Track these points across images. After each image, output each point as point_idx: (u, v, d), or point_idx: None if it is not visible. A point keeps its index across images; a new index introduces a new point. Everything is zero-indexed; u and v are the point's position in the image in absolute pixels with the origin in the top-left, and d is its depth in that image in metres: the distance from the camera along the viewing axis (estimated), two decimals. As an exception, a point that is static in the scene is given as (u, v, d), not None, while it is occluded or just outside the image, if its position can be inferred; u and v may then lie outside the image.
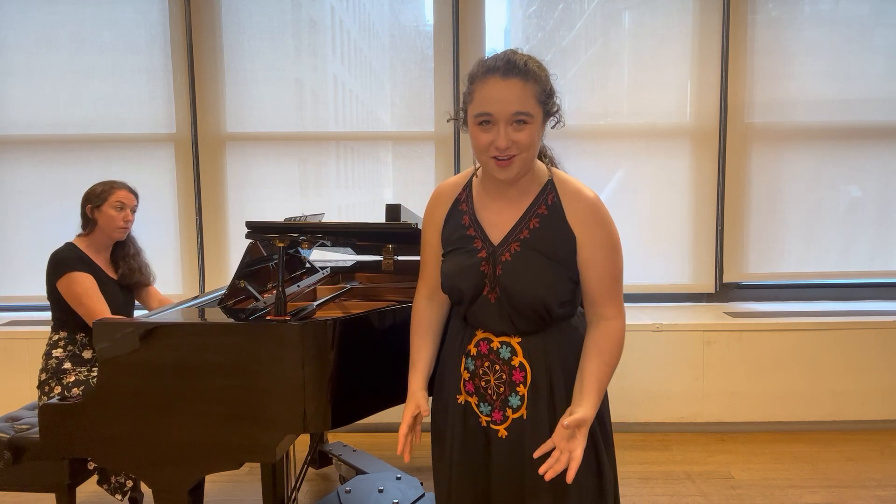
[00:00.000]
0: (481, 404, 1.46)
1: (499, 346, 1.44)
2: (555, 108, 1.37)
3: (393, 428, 3.36)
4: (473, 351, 1.47)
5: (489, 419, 1.45)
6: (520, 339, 1.42)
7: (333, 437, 3.28)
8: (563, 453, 1.29)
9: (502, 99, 1.29)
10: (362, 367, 1.80)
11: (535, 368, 1.41)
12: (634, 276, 3.52)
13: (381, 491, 2.38)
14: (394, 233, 2.07)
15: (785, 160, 3.59)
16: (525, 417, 1.42)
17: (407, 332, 1.57)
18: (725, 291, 3.69)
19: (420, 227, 1.63)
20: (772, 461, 3.00)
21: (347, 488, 2.40)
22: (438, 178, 3.55)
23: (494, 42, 3.56)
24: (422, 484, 2.46)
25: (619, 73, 3.59)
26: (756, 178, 3.60)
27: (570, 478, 1.26)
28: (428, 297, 1.58)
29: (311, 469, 2.91)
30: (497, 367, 1.43)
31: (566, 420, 1.29)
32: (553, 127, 1.40)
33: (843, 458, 3.02)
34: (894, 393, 3.31)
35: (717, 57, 3.53)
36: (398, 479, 2.48)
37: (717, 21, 3.51)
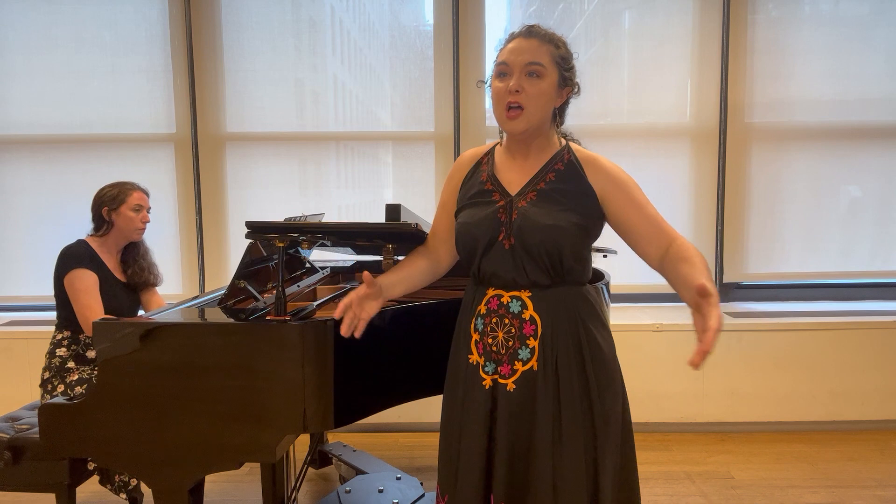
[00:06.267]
0: (487, 364, 1.50)
1: (509, 300, 1.49)
2: (571, 75, 1.50)
3: (393, 428, 3.36)
4: (483, 310, 1.52)
5: (496, 376, 1.48)
6: (530, 294, 1.47)
7: (333, 437, 3.28)
8: (708, 332, 1.22)
9: (519, 51, 1.45)
10: (362, 366, 1.80)
11: (546, 322, 1.46)
12: (634, 276, 3.52)
13: (381, 491, 2.38)
14: (394, 233, 2.06)
15: (785, 160, 3.59)
16: (535, 369, 1.45)
17: (407, 332, 1.57)
18: (725, 291, 3.69)
19: (420, 227, 1.64)
20: (772, 461, 3.00)
21: (347, 488, 2.41)
22: (438, 178, 3.55)
23: (494, 42, 3.56)
24: (422, 484, 2.46)
25: (619, 73, 3.59)
26: (756, 178, 3.60)
27: (708, 345, 1.21)
28: (428, 247, 1.68)
29: (311, 469, 2.91)
30: (507, 322, 1.48)
31: (699, 291, 1.22)
32: (570, 97, 1.53)
33: (843, 458, 3.02)
34: (894, 393, 3.31)
35: (717, 57, 3.53)
36: (398, 479, 2.48)
37: (717, 21, 3.51)
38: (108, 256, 2.43)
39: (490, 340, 1.50)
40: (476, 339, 1.53)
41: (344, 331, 1.44)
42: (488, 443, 1.48)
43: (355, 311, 1.46)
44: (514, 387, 1.46)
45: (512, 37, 1.48)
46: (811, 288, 3.73)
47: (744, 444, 3.19)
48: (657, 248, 1.46)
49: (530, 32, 1.46)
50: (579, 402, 1.44)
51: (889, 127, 3.57)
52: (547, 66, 1.44)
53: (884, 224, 3.63)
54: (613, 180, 1.48)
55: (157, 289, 2.61)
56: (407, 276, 1.61)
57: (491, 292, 1.51)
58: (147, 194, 2.50)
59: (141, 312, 2.52)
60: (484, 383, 1.50)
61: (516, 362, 1.47)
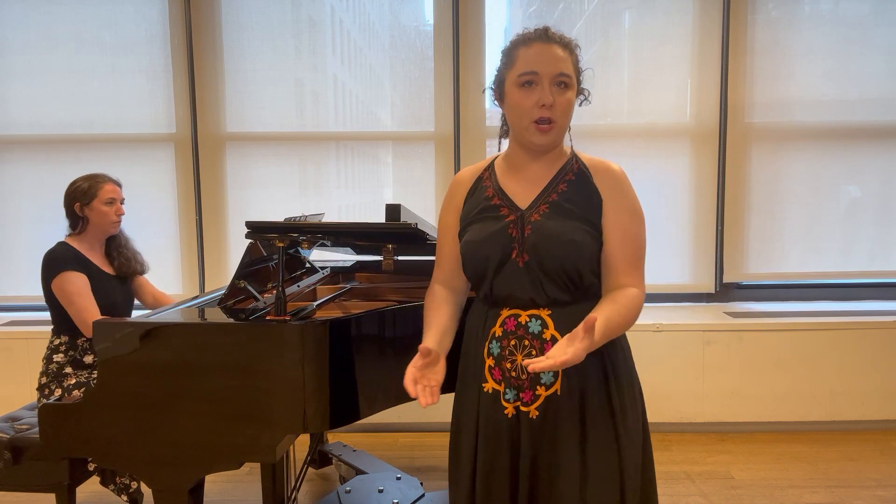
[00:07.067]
0: (508, 391, 1.39)
1: (528, 319, 1.38)
2: (583, 86, 1.43)
3: (393, 428, 3.36)
4: (499, 332, 1.40)
5: (518, 403, 1.38)
6: (550, 312, 1.37)
7: (333, 437, 3.28)
8: (550, 358, 1.18)
9: (548, 59, 1.34)
10: (362, 366, 1.80)
11: None
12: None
13: (381, 491, 2.38)
14: (394, 233, 2.06)
15: (785, 160, 3.59)
16: (559, 393, 1.36)
17: (407, 332, 1.57)
18: (725, 291, 3.69)
19: (420, 227, 1.62)
20: (772, 461, 3.00)
21: (347, 488, 2.41)
22: (438, 178, 3.55)
23: (494, 42, 3.56)
24: (422, 484, 2.46)
25: (619, 73, 3.59)
26: (756, 178, 3.60)
27: (535, 366, 1.16)
28: (443, 283, 1.54)
29: (311, 469, 2.91)
30: (526, 343, 1.37)
31: (586, 323, 1.19)
32: (580, 104, 1.45)
33: (843, 458, 3.02)
34: (894, 393, 3.31)
35: (717, 57, 3.53)
36: (398, 479, 2.48)
37: (717, 21, 3.51)
38: (93, 253, 2.38)
39: (508, 365, 1.38)
40: (491, 365, 1.41)
41: (423, 402, 1.27)
42: (514, 476, 1.39)
43: (422, 383, 1.30)
44: (538, 413, 1.37)
45: (528, 40, 1.36)
46: (811, 288, 3.73)
47: (744, 444, 3.19)
48: (611, 281, 1.40)
49: (549, 37, 1.35)
50: (604, 420, 1.37)
51: (889, 127, 3.57)
52: (573, 76, 1.37)
53: (884, 224, 3.63)
54: (615, 191, 1.39)
55: (156, 286, 2.60)
56: (445, 326, 1.45)
57: (506, 313, 1.40)
58: (119, 185, 2.42)
59: (138, 312, 2.51)
60: (506, 412, 1.39)
61: (538, 387, 1.36)
